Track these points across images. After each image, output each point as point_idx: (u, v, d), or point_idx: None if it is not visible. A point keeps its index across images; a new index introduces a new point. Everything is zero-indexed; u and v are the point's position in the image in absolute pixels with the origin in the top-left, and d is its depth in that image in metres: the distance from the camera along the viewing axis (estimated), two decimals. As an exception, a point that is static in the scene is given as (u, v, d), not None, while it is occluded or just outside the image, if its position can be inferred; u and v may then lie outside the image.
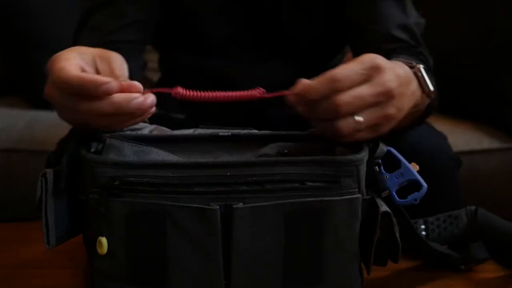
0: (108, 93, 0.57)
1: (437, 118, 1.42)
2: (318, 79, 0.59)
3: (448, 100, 1.65)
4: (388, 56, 0.93)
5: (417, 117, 0.85)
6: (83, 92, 0.57)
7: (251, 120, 1.00)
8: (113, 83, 0.57)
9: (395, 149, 0.64)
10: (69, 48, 0.61)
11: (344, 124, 0.59)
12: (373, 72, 0.59)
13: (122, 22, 0.94)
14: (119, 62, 0.63)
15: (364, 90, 0.59)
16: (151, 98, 0.59)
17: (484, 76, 1.59)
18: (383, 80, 0.60)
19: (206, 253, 0.58)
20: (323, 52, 1.09)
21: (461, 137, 1.52)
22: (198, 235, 0.58)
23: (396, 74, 0.61)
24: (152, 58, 1.29)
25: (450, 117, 1.60)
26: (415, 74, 0.70)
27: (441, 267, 0.74)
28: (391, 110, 0.61)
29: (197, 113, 1.06)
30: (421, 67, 0.71)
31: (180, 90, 0.62)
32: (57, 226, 0.60)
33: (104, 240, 0.58)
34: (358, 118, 0.59)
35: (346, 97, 0.58)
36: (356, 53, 1.01)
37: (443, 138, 1.08)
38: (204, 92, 0.62)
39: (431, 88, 0.71)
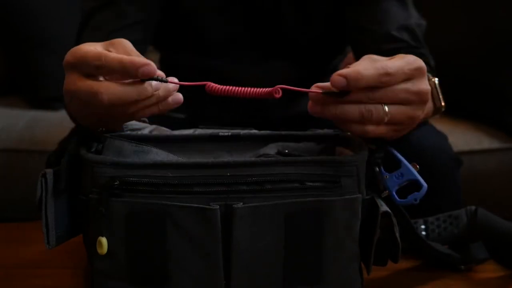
0: (148, 75, 0.57)
1: (437, 118, 1.42)
2: (367, 68, 0.58)
3: (448, 100, 1.65)
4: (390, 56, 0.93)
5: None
6: (122, 73, 0.57)
7: (251, 120, 1.00)
8: (153, 66, 0.57)
9: (395, 148, 0.64)
10: (82, 44, 0.61)
11: (375, 111, 0.58)
12: (416, 73, 0.60)
13: (123, 23, 0.94)
14: (131, 46, 0.62)
15: (404, 86, 0.59)
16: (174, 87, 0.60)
17: (484, 76, 1.59)
18: (423, 82, 0.61)
19: (206, 253, 0.58)
20: (323, 53, 1.09)
21: (461, 137, 1.52)
22: (198, 235, 0.57)
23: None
24: (153, 58, 1.29)
25: (450, 117, 1.60)
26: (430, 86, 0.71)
27: (441, 267, 0.74)
28: (419, 112, 0.61)
29: (197, 113, 1.06)
30: (436, 81, 0.72)
31: (213, 84, 0.60)
32: (57, 226, 0.60)
33: (104, 240, 0.58)
34: (387, 107, 0.59)
35: (391, 93, 0.58)
36: (357, 53, 1.01)
37: (444, 137, 1.08)
38: (232, 87, 0.61)
39: (442, 103, 0.74)
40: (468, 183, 1.35)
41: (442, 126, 1.08)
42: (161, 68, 1.18)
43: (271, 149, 0.65)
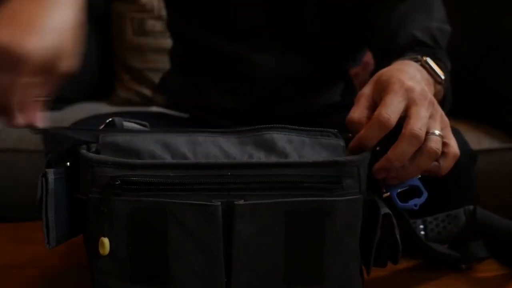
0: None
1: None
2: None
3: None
4: (402, 54, 0.92)
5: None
6: None
7: (258, 115, 1.00)
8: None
9: None
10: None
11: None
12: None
13: None
14: None
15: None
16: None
17: (484, 76, 1.59)
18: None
19: (208, 249, 0.58)
20: (340, 53, 1.08)
21: (461, 137, 1.52)
22: (199, 232, 0.58)
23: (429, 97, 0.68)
24: (153, 58, 1.28)
25: (450, 117, 1.60)
26: (423, 66, 0.75)
27: (441, 266, 0.74)
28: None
29: (202, 113, 1.05)
30: (428, 59, 0.75)
31: None
32: (58, 226, 0.60)
33: (106, 241, 0.57)
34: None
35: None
36: (375, 54, 1.00)
37: (456, 132, 1.06)
38: None
39: (442, 76, 0.76)
40: (468, 183, 1.35)
41: (442, 126, 1.08)
42: (173, 49, 1.16)
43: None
